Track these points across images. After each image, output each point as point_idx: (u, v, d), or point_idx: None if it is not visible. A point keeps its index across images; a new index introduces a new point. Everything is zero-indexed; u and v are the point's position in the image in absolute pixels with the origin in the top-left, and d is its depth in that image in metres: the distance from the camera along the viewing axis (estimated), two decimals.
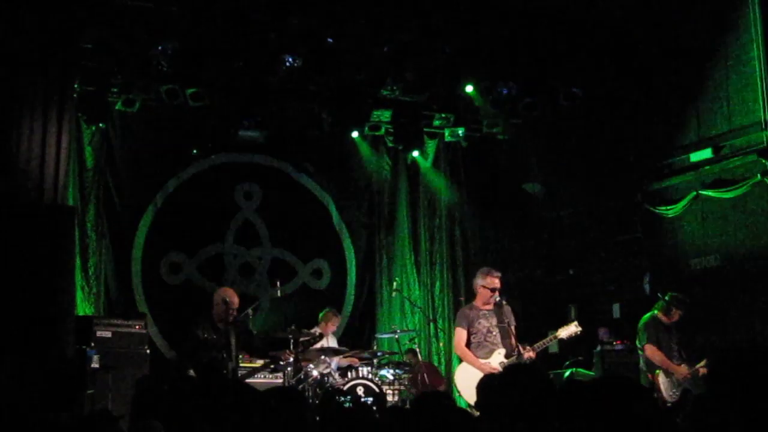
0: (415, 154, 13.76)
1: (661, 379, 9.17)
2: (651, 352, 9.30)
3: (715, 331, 10.40)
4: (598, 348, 11.61)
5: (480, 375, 8.24)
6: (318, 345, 10.92)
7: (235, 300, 8.91)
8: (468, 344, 8.83)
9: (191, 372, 8.44)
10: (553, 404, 3.89)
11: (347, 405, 9.36)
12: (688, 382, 9.14)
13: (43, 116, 8.64)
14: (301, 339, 9.86)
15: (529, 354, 8.54)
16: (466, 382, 8.54)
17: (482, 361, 8.66)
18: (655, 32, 11.55)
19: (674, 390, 9.12)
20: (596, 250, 13.09)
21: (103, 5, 9.89)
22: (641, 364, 9.57)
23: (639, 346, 9.54)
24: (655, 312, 9.55)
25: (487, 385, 5.14)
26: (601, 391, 3.18)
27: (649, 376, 9.30)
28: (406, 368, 11.23)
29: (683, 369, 9.11)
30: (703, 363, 9.12)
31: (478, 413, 5.22)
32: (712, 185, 10.85)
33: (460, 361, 9.12)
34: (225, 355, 8.63)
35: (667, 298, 9.58)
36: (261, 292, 12.68)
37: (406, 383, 11.19)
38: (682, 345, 9.43)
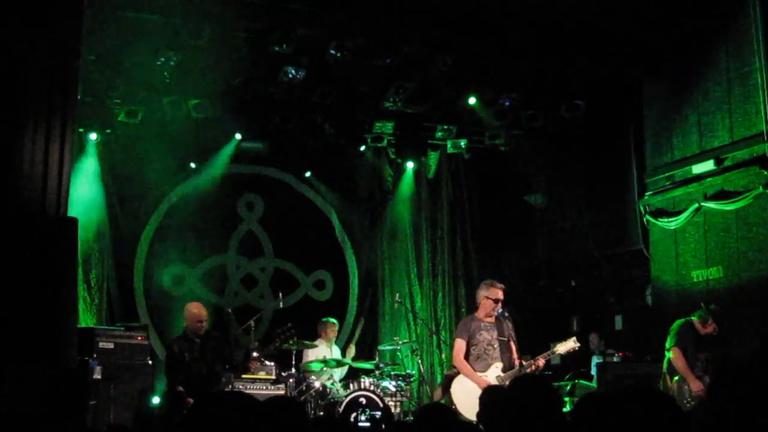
0: (417, 165, 13.80)
1: (677, 386, 9.08)
2: (676, 356, 9.16)
3: (719, 344, 10.34)
4: (601, 359, 11.59)
5: (476, 388, 8.25)
6: (315, 354, 10.96)
7: (203, 313, 9.06)
8: (468, 355, 8.79)
9: (180, 388, 8.53)
10: (561, 417, 3.85)
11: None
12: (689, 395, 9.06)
13: (46, 127, 8.61)
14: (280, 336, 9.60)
15: (537, 364, 8.49)
16: (462, 394, 8.51)
17: (479, 374, 8.61)
18: (656, 44, 11.56)
19: (689, 399, 9.04)
20: (598, 262, 13.08)
21: (107, 16, 9.91)
22: (664, 366, 9.45)
23: (667, 347, 9.45)
24: (693, 318, 9.44)
25: (490, 396, 5.11)
26: (625, 402, 3.13)
27: (668, 379, 9.19)
28: (409, 380, 11.20)
29: (698, 384, 9.04)
30: None
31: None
32: (715, 197, 10.83)
33: (458, 372, 9.07)
34: (202, 370, 8.76)
35: (711, 308, 9.47)
36: (264, 303, 12.68)
37: (408, 395, 11.18)
38: (709, 359, 9.31)
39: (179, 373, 8.73)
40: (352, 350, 11.90)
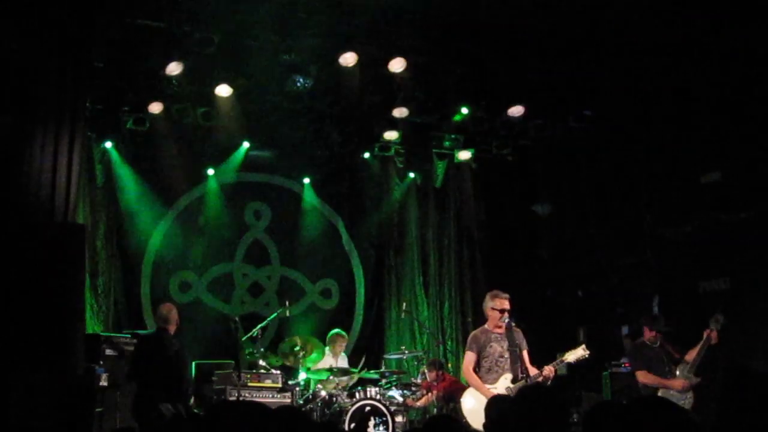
0: (424, 174, 13.80)
1: None
2: (643, 377, 9.25)
3: (724, 355, 10.30)
4: (608, 370, 11.55)
5: (485, 400, 8.22)
6: (322, 363, 10.94)
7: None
8: (479, 368, 8.75)
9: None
10: (567, 428, 3.82)
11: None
12: (681, 394, 9.03)
13: (55, 134, 8.67)
14: None
15: (546, 373, 8.44)
16: (472, 406, 8.49)
17: (488, 386, 8.56)
18: (664, 54, 11.55)
19: (681, 403, 9.00)
20: (605, 272, 13.04)
21: (116, 24, 9.95)
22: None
23: (633, 372, 9.53)
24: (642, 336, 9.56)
25: (495, 406, 5.09)
26: (638, 412, 3.11)
27: None
28: (414, 389, 11.16)
29: (678, 382, 9.03)
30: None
31: None
32: (722, 207, 10.80)
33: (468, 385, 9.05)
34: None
35: (641, 321, 9.63)
36: (270, 312, 12.67)
37: (417, 395, 11.15)
38: (675, 355, 9.32)
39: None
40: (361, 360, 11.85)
